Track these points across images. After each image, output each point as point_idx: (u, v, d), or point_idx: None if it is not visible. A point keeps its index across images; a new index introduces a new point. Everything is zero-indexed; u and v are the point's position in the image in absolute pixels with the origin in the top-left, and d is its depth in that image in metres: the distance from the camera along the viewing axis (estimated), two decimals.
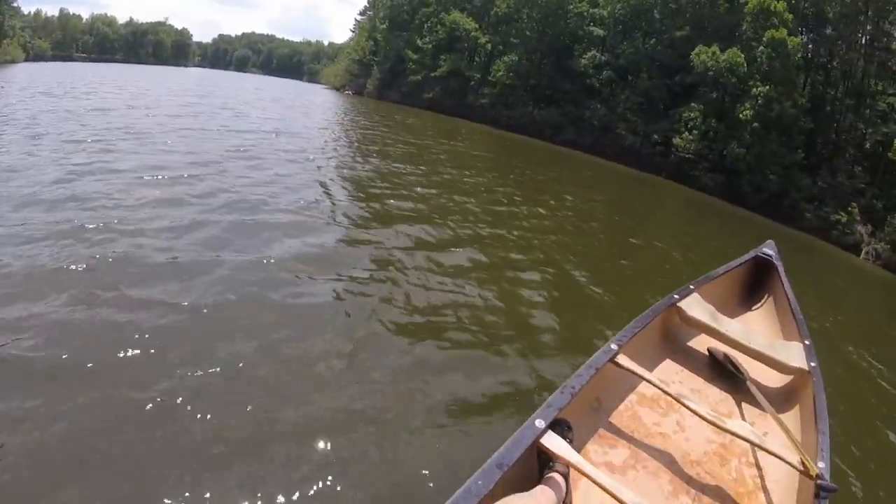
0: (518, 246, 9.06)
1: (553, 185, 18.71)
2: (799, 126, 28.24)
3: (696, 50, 32.21)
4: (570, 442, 2.20)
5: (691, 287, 3.66)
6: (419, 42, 54.43)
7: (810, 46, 31.67)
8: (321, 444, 3.43)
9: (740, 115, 29.28)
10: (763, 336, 3.46)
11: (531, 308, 6.40)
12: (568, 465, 2.09)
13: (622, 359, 2.71)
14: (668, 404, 2.83)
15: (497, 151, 26.75)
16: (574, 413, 2.38)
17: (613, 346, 2.74)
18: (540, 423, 2.14)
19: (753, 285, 4.35)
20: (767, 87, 28.64)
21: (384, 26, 62.56)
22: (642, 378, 2.71)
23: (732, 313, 3.89)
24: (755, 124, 28.58)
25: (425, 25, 54.84)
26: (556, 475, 2.08)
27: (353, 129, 25.28)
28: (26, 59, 67.97)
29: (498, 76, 46.36)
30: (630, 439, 2.61)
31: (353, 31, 79.30)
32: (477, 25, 50.81)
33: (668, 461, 2.52)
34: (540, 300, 6.72)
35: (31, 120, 13.80)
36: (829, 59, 31.05)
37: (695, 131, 31.49)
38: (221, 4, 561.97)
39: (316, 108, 37.76)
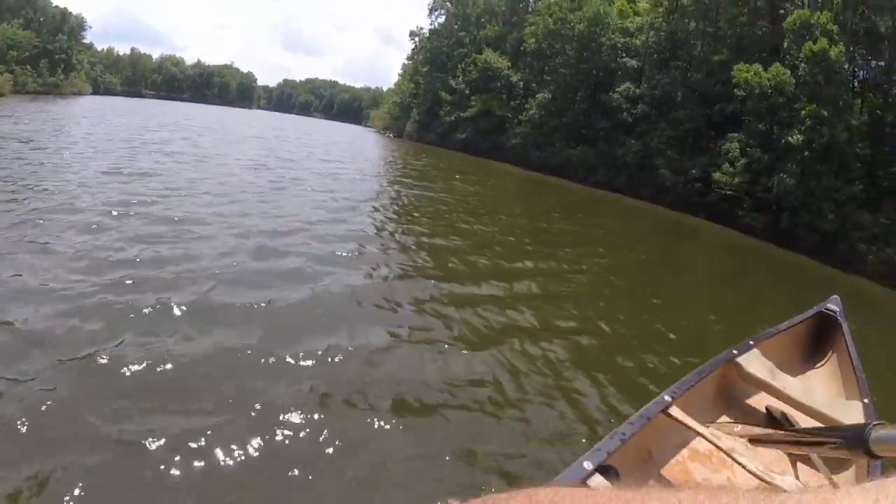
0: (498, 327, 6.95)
1: (569, 237, 15.49)
2: (855, 153, 24.01)
3: (737, 67, 28.32)
4: None
5: (751, 343, 3.43)
6: (453, 83, 52.34)
7: (862, 66, 27.52)
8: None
9: (791, 140, 25.12)
10: (823, 395, 3.25)
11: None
12: None
13: (675, 411, 2.60)
14: (721, 460, 2.69)
15: (510, 200, 23.70)
16: (623, 461, 2.25)
17: (667, 398, 2.65)
18: (588, 465, 2.08)
19: (816, 342, 4.04)
20: (815, 106, 24.53)
21: (425, 69, 61.02)
22: (695, 431, 2.58)
23: (793, 371, 3.59)
24: (806, 153, 24.47)
25: (459, 66, 52.70)
26: None
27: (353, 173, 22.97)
28: (95, 93, 72.35)
29: (529, 115, 43.43)
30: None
31: (400, 76, 78.41)
32: (509, 63, 48.23)
33: None
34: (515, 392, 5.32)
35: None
36: (885, 79, 26.66)
37: (736, 164, 27.54)
38: (290, 52, 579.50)
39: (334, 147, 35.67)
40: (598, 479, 2.06)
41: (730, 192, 27.13)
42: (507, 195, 24.30)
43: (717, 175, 27.93)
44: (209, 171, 15.87)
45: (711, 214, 27.58)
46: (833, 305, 4.10)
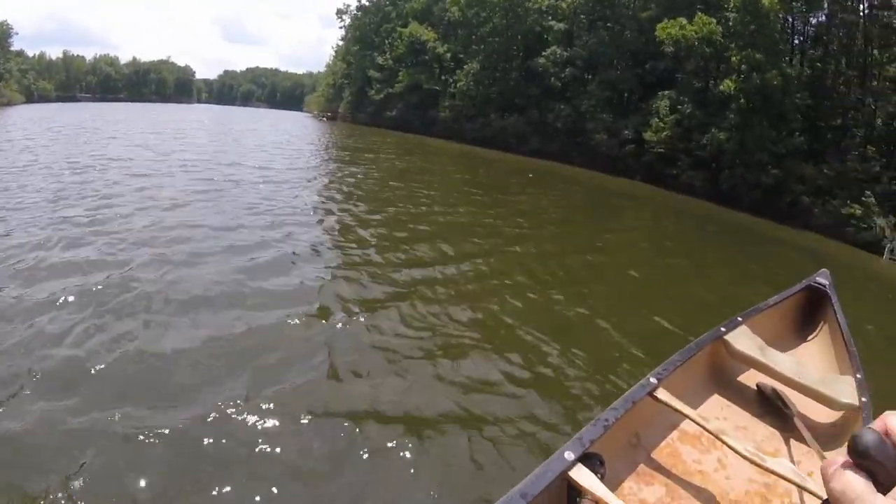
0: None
1: (483, 218, 12.45)
2: (795, 104, 21.73)
3: (661, 24, 25.67)
4: (602, 477, 1.98)
5: (739, 319, 3.27)
6: (380, 60, 48.91)
7: (801, 20, 25.21)
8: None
9: (723, 89, 22.69)
10: (814, 370, 3.13)
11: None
12: (597, 501, 1.90)
13: (661, 393, 2.46)
14: (710, 441, 2.55)
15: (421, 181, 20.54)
16: (609, 447, 2.17)
17: (653, 380, 2.48)
18: (569, 455, 1.96)
19: (806, 316, 3.86)
20: (748, 52, 22.21)
21: (356, 48, 57.31)
22: (682, 413, 2.44)
23: (783, 346, 3.45)
24: (741, 101, 22.05)
25: (386, 42, 49.25)
26: None
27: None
28: (29, 101, 64.53)
29: (459, 87, 40.37)
30: (668, 476, 2.38)
31: (332, 57, 74.20)
32: (435, 35, 45.02)
33: (706, 500, 2.30)
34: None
35: None
36: (826, 29, 24.32)
37: (665, 119, 25.10)
38: (231, 44, 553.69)
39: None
40: (581, 470, 1.94)
41: (662, 150, 24.75)
42: (407, 178, 20.26)
43: (647, 134, 25.46)
44: None
45: (647, 176, 25.26)
46: (822, 279, 3.87)
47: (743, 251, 14.03)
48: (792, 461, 2.52)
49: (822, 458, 2.34)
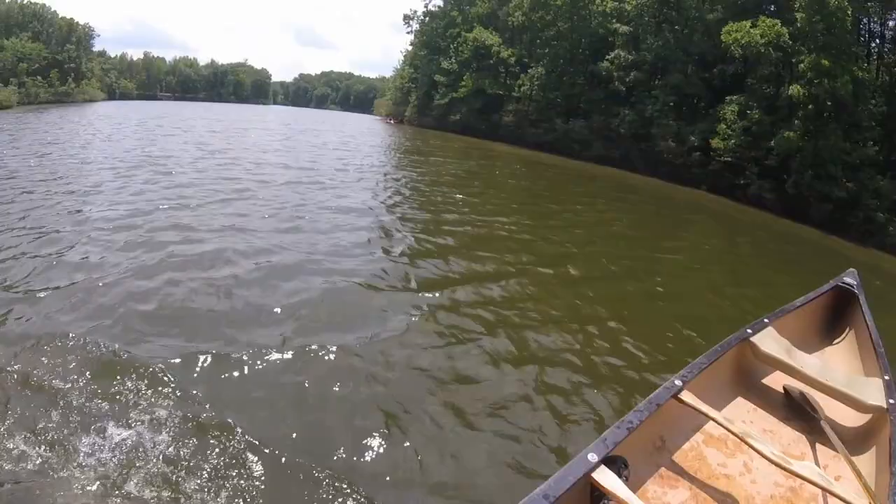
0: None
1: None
2: (869, 111, 20.51)
3: (726, 28, 24.67)
4: (626, 479, 1.98)
5: (766, 321, 3.19)
6: (446, 64, 49.02)
7: (878, 23, 23.66)
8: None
9: (792, 94, 21.43)
10: (841, 372, 3.06)
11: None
12: (621, 503, 1.89)
13: (686, 395, 2.45)
14: (736, 444, 2.51)
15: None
16: (633, 450, 2.17)
17: (678, 382, 2.48)
18: (592, 458, 1.96)
19: (833, 317, 3.70)
20: (815, 56, 20.96)
21: (423, 52, 57.60)
22: (707, 416, 2.42)
23: (810, 348, 3.42)
24: (810, 107, 20.93)
25: (451, 46, 49.30)
26: None
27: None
28: (111, 98, 70.30)
29: (522, 91, 39.96)
30: (692, 480, 2.35)
31: (401, 62, 74.97)
32: (500, 39, 44.75)
33: None
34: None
35: None
36: None
37: (733, 126, 24.08)
38: (303, 47, 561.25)
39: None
40: (604, 472, 1.93)
41: (729, 159, 23.77)
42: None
43: (715, 141, 24.52)
44: None
45: (713, 186, 24.33)
46: (850, 279, 3.73)
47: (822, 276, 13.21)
48: (818, 465, 2.50)
49: (850, 461, 2.32)
